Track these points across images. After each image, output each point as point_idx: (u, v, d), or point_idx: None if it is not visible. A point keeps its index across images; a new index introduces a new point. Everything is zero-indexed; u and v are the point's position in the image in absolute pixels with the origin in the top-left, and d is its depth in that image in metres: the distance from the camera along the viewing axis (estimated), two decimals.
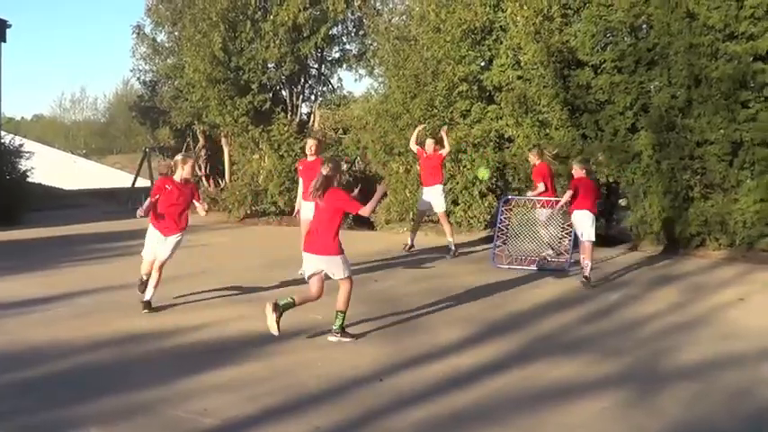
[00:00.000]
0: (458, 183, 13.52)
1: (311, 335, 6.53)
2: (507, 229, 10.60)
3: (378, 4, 17.61)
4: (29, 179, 16.47)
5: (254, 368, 5.62)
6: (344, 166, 16.10)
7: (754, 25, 10.85)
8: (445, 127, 12.02)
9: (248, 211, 16.72)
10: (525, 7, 12.54)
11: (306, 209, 9.43)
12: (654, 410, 4.83)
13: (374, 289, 8.59)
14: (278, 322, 6.09)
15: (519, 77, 13.12)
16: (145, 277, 7.46)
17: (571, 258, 10.03)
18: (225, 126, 17.79)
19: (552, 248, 10.32)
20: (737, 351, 6.15)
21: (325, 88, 19.74)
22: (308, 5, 17.01)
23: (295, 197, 12.60)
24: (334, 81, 19.78)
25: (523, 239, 10.52)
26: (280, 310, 6.13)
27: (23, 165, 16.30)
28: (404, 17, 15.77)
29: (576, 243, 10.14)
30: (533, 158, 10.91)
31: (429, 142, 11.16)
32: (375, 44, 16.95)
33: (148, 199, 7.34)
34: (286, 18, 16.84)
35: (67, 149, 41.49)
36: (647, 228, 11.64)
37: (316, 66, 19.30)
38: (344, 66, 19.18)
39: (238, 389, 5.12)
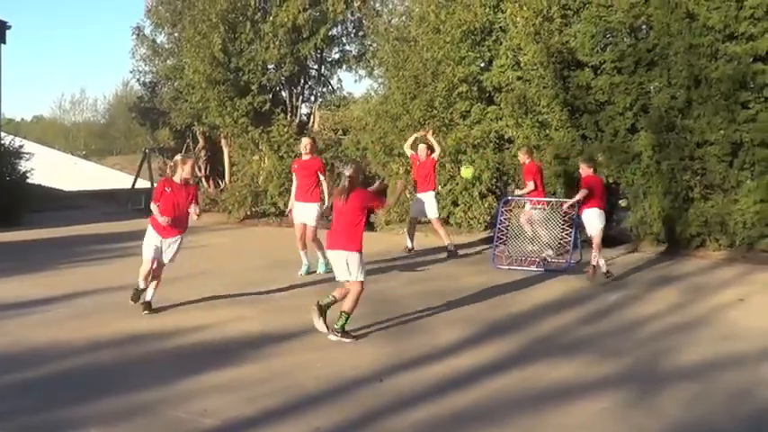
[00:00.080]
0: (457, 184, 13.52)
1: (311, 336, 6.53)
2: (507, 230, 10.61)
3: (377, 4, 17.62)
4: (29, 180, 16.45)
5: (253, 369, 5.62)
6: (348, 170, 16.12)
7: (753, 26, 10.85)
8: (429, 129, 12.01)
9: (248, 212, 16.72)
10: (525, 8, 12.54)
11: (298, 210, 9.39)
12: (654, 411, 4.83)
13: (374, 290, 8.55)
14: (325, 322, 6.32)
15: (519, 78, 13.12)
16: (142, 285, 7.25)
17: (572, 259, 10.03)
18: (225, 127, 17.79)
19: (551, 248, 10.31)
20: (737, 352, 6.15)
21: (324, 89, 19.75)
22: (307, 6, 17.02)
23: None
24: (333, 82, 19.79)
25: (523, 240, 10.52)
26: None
27: (23, 166, 16.28)
28: (403, 18, 15.77)
29: (575, 243, 10.21)
30: (523, 157, 10.99)
31: (422, 148, 11.15)
32: (375, 45, 16.96)
33: (165, 218, 7.11)
34: (286, 19, 16.84)
35: (67, 151, 41.49)
36: (647, 228, 11.64)
37: (315, 67, 19.31)
38: (344, 67, 19.18)
39: (238, 390, 5.12)
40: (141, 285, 7.29)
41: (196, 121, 19.14)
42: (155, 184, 20.19)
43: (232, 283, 8.79)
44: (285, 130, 16.70)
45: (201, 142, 20.37)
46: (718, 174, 11.13)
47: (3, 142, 16.68)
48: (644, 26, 12.07)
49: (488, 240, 11.81)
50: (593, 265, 9.13)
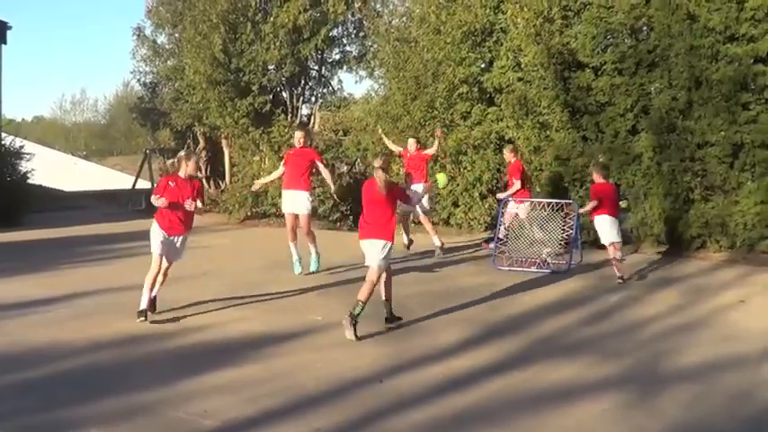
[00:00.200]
0: (458, 184, 13.52)
1: (311, 336, 6.53)
2: (508, 230, 10.60)
3: (378, 5, 17.64)
4: (29, 181, 16.46)
5: (254, 369, 5.62)
6: (344, 168, 16.13)
7: (754, 27, 10.84)
8: (439, 130, 12.03)
9: (249, 213, 16.72)
10: (525, 9, 12.55)
11: (288, 199, 9.24)
12: (654, 412, 4.82)
13: (374, 290, 8.57)
14: (355, 330, 6.36)
15: (519, 79, 13.12)
16: (145, 303, 6.95)
17: (572, 260, 10.03)
18: (225, 128, 17.81)
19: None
20: (738, 353, 6.15)
21: (325, 90, 19.78)
22: (308, 7, 17.04)
23: None
24: (334, 83, 19.84)
25: (524, 241, 10.52)
26: (355, 319, 6.39)
27: (24, 166, 16.29)
28: (404, 19, 15.79)
29: (576, 244, 10.21)
30: (509, 155, 11.06)
31: (411, 141, 11.19)
32: (375, 46, 16.97)
33: (162, 199, 6.92)
34: (286, 20, 16.86)
35: (68, 151, 41.46)
36: (647, 230, 11.63)
37: (316, 67, 19.33)
38: (345, 67, 19.21)
39: (238, 390, 5.12)
40: (144, 304, 6.94)
41: (197, 122, 19.16)
42: (155, 185, 20.29)
43: (233, 283, 8.79)
44: (286, 130, 16.70)
45: (202, 143, 20.39)
46: (718, 175, 11.12)
47: (3, 143, 16.70)
48: (645, 27, 12.06)
49: (489, 241, 11.79)
50: (619, 265, 9.25)
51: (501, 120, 13.41)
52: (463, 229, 13.43)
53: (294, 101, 18.79)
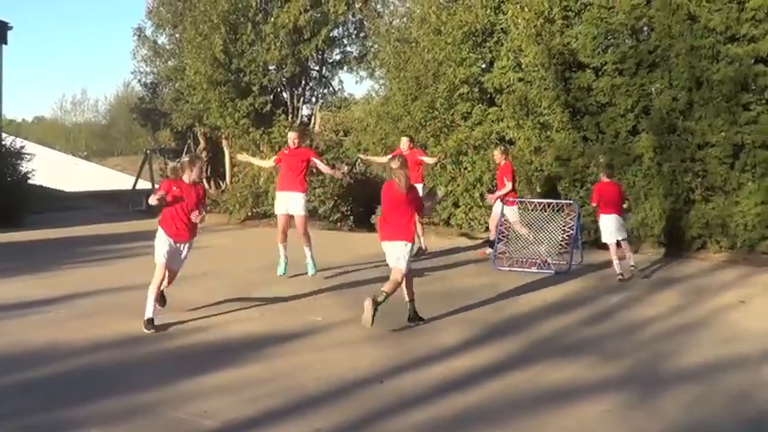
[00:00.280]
0: (458, 185, 13.52)
1: (312, 336, 6.53)
2: (508, 231, 10.60)
3: (378, 6, 17.65)
4: (30, 181, 16.46)
5: (254, 370, 5.61)
6: (345, 168, 16.12)
7: (755, 28, 10.85)
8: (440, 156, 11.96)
9: (249, 213, 16.71)
10: (526, 9, 12.55)
11: (283, 200, 9.05)
12: (655, 413, 4.82)
13: (374, 291, 8.56)
14: (373, 317, 6.42)
15: (520, 80, 13.12)
16: (150, 311, 6.73)
17: (572, 260, 10.03)
18: (226, 128, 17.81)
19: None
20: (739, 354, 6.14)
21: (325, 90, 19.78)
22: (308, 8, 17.04)
23: None
24: (334, 83, 19.83)
25: (524, 242, 10.52)
26: (377, 306, 6.47)
27: (24, 167, 16.27)
28: (405, 19, 15.79)
29: (576, 245, 10.21)
30: (499, 157, 11.08)
31: (404, 140, 10.87)
32: (376, 46, 16.97)
33: (160, 193, 6.78)
34: (287, 20, 16.87)
35: (68, 151, 41.43)
36: (648, 230, 11.63)
37: (316, 68, 19.33)
38: (345, 68, 19.21)
39: (239, 390, 5.12)
40: (150, 313, 6.73)
41: (197, 122, 19.16)
42: (156, 185, 20.29)
43: (233, 283, 8.79)
44: (286, 131, 16.67)
45: (203, 143, 20.39)
46: (719, 176, 11.12)
47: (4, 143, 16.70)
48: (645, 28, 12.06)
49: (486, 244, 11.78)
50: (631, 267, 9.39)
51: (501, 120, 13.40)
52: (464, 230, 13.42)
53: (295, 101, 18.79)
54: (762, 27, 10.79)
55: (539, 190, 12.49)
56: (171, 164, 7.42)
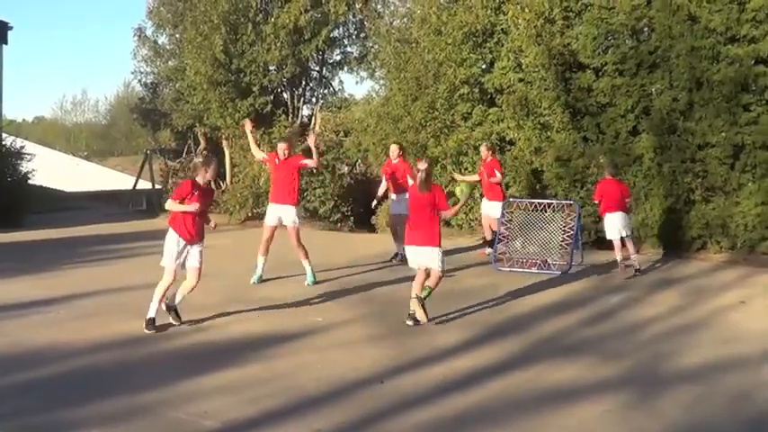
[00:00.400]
0: (458, 185, 13.48)
1: (312, 337, 6.53)
2: (508, 231, 10.60)
3: (379, 6, 17.66)
4: (30, 181, 16.46)
5: (254, 370, 5.61)
6: (345, 169, 16.13)
7: (755, 28, 10.84)
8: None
9: (249, 214, 16.71)
10: (526, 10, 12.54)
11: (274, 212, 8.94)
12: (655, 413, 4.82)
13: (375, 291, 8.59)
14: (426, 313, 6.84)
15: (520, 80, 13.12)
16: (153, 312, 6.68)
17: (572, 261, 10.02)
18: (226, 128, 17.81)
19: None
20: (739, 354, 6.14)
21: (326, 91, 19.79)
22: (309, 8, 17.05)
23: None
24: (335, 83, 19.85)
25: (525, 242, 10.51)
26: (422, 301, 6.83)
27: (24, 167, 16.27)
28: (405, 20, 15.78)
29: (576, 245, 10.21)
30: (486, 153, 11.15)
31: (393, 147, 10.64)
32: (376, 47, 16.97)
33: (194, 205, 6.67)
34: (287, 20, 16.87)
35: (69, 152, 41.49)
36: (648, 230, 11.62)
37: (317, 68, 19.34)
38: (345, 68, 19.22)
39: (239, 391, 5.12)
40: (152, 313, 6.69)
41: (197, 123, 19.16)
42: (156, 186, 20.31)
43: (233, 284, 8.79)
44: (287, 131, 16.71)
45: (203, 143, 20.39)
46: (719, 176, 11.12)
47: (4, 143, 16.70)
48: (646, 28, 12.06)
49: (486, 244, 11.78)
50: (625, 265, 9.56)
51: (502, 121, 13.40)
52: (464, 230, 13.41)
53: (295, 102, 18.80)
54: (762, 28, 10.79)
55: (538, 190, 12.49)
56: (195, 160, 7.22)
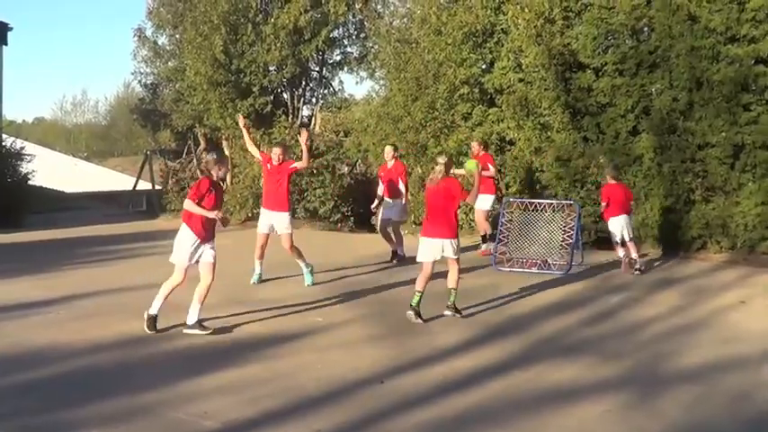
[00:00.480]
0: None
1: (312, 337, 6.53)
2: (508, 231, 10.60)
3: (379, 6, 17.67)
4: (30, 182, 16.47)
5: (254, 370, 5.61)
6: (345, 169, 16.12)
7: (755, 28, 10.85)
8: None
9: (249, 214, 16.70)
10: (526, 10, 12.55)
11: (267, 218, 8.93)
12: (655, 413, 4.82)
13: (375, 291, 8.59)
14: (459, 312, 7.25)
15: (520, 80, 13.12)
16: (156, 309, 6.65)
17: (572, 261, 10.02)
18: (226, 129, 17.81)
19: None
20: (739, 354, 6.14)
21: (326, 91, 19.81)
22: (309, 8, 17.06)
23: (295, 199, 12.34)
24: (335, 84, 19.87)
25: (525, 242, 10.51)
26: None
27: (24, 168, 16.29)
28: (405, 20, 15.79)
29: (577, 245, 10.21)
30: (477, 148, 11.23)
31: (388, 149, 10.75)
32: (376, 47, 16.98)
33: (215, 212, 6.54)
34: (287, 21, 16.88)
35: (68, 152, 41.51)
36: (648, 230, 11.62)
37: (317, 68, 19.35)
38: (345, 68, 19.24)
39: (239, 391, 5.12)
40: (155, 310, 6.65)
41: (197, 123, 19.18)
42: (156, 186, 20.31)
43: (233, 284, 8.78)
44: (286, 131, 16.71)
45: (203, 144, 20.39)
46: (719, 176, 11.12)
47: (4, 144, 16.71)
48: (645, 28, 12.06)
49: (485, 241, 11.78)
50: (630, 259, 9.80)
51: (502, 121, 13.40)
52: (464, 230, 13.40)
53: (295, 102, 18.81)
54: (762, 28, 10.79)
55: (539, 190, 12.49)
56: (207, 157, 7.06)
